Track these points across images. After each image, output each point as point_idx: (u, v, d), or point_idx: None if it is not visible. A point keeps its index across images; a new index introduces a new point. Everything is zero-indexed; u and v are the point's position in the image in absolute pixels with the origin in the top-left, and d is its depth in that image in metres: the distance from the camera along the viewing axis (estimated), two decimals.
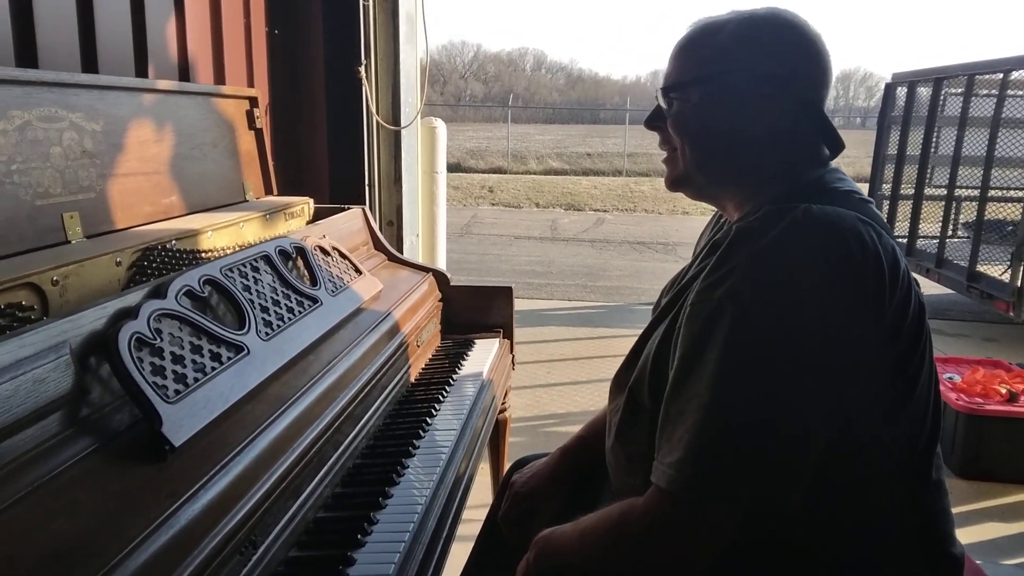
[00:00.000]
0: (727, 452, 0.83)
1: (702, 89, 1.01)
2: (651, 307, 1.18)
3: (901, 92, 6.01)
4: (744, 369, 0.84)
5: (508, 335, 2.18)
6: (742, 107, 1.00)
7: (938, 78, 5.44)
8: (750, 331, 0.84)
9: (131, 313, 1.03)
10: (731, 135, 1.01)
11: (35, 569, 0.69)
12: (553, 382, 3.99)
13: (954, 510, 1.01)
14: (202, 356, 1.09)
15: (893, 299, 0.88)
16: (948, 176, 5.32)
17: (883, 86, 6.44)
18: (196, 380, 1.04)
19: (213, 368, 1.09)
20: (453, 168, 15.21)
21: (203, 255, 1.53)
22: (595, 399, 3.71)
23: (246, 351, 1.17)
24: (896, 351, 0.90)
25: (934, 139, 5.56)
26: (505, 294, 2.19)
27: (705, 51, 1.02)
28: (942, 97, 5.48)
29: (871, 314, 0.87)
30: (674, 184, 1.09)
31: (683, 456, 0.85)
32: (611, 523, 0.95)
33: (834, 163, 1.06)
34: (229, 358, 1.13)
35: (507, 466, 1.52)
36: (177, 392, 0.99)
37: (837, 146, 1.04)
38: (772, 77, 0.99)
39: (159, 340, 1.03)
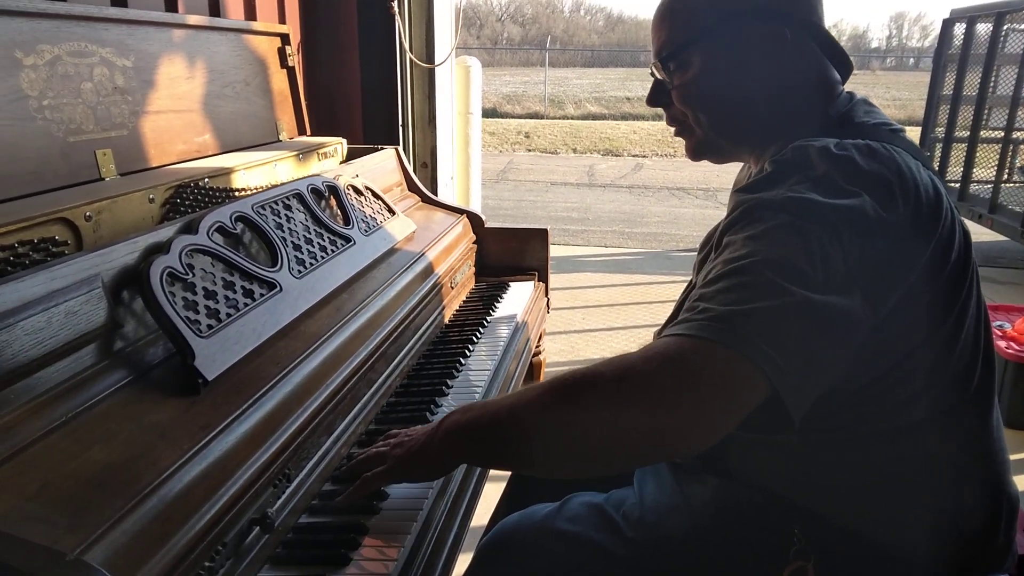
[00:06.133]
0: (753, 314, 0.74)
1: (701, 48, 0.96)
2: (689, 253, 1.15)
3: (959, 29, 5.71)
4: (781, 250, 0.77)
5: (543, 278, 2.16)
6: (747, 55, 0.95)
7: (1000, 13, 5.14)
8: (790, 222, 0.78)
9: (162, 248, 1.02)
10: (744, 88, 0.96)
11: (70, 496, 0.70)
12: (589, 328, 3.97)
13: None
14: (234, 292, 1.08)
15: (936, 232, 0.84)
16: (1006, 118, 5.08)
17: (939, 24, 6.13)
18: (229, 315, 1.04)
19: (246, 304, 1.08)
20: (489, 113, 15.03)
21: (236, 193, 1.52)
22: (630, 345, 3.68)
23: (279, 288, 1.16)
24: (940, 287, 0.85)
25: (992, 78, 5.29)
26: (540, 237, 2.16)
27: (692, 7, 0.96)
28: (1003, 33, 5.18)
29: (915, 245, 0.82)
30: (696, 154, 1.05)
31: (703, 307, 0.76)
32: (593, 367, 0.78)
33: (879, 103, 1.00)
34: (262, 295, 1.12)
35: None
36: (210, 327, 0.99)
37: (847, 67, 0.99)
38: (769, 11, 0.93)
39: (191, 275, 1.03)
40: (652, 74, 1.03)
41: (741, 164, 1.20)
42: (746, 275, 0.77)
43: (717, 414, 0.74)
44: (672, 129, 1.07)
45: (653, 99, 1.04)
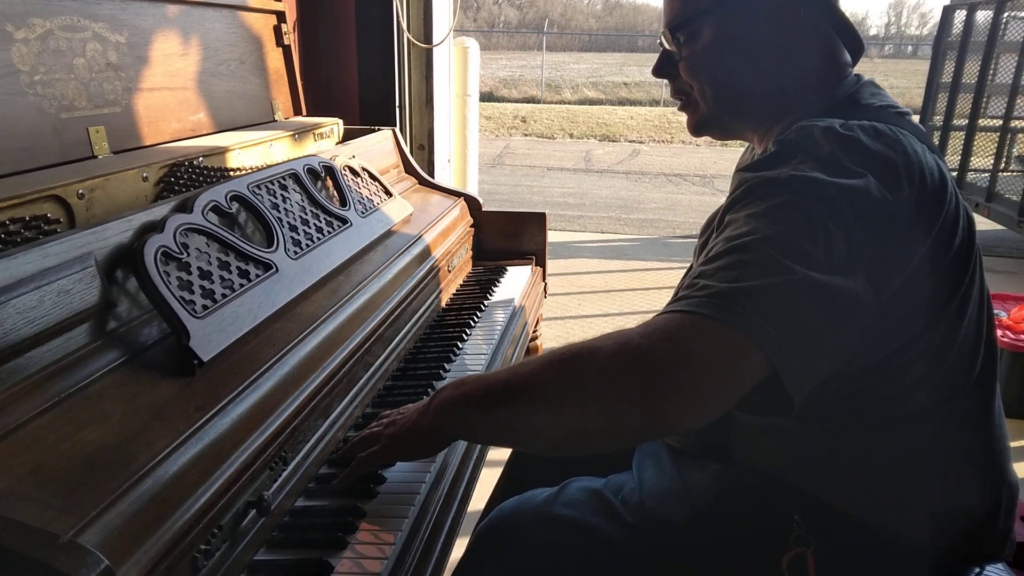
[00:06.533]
0: (763, 297, 0.73)
1: (712, 20, 0.95)
2: (685, 240, 1.14)
3: (959, 16, 5.69)
4: (783, 228, 0.76)
5: (541, 263, 2.14)
6: (758, 29, 0.94)
7: (1001, 0, 5.12)
8: (792, 199, 0.77)
9: (157, 227, 1.00)
10: (752, 64, 0.95)
11: (64, 477, 0.69)
12: (584, 314, 3.96)
13: None
14: (230, 272, 1.07)
15: (940, 215, 0.83)
16: (1005, 106, 5.07)
17: (938, 11, 6.10)
18: (224, 296, 1.02)
19: (241, 285, 1.07)
20: (485, 97, 14.94)
21: (231, 173, 1.50)
22: None
23: (275, 269, 1.15)
24: (943, 271, 0.85)
25: (992, 66, 5.27)
26: (538, 220, 2.14)
27: None
28: (1003, 21, 5.17)
29: (918, 225, 0.81)
30: (698, 129, 1.04)
31: (700, 283, 0.76)
32: (589, 342, 0.77)
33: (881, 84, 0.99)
34: (257, 275, 1.11)
35: None
36: (205, 307, 0.98)
37: (857, 47, 0.98)
38: None
39: (186, 255, 1.01)
40: (661, 44, 1.02)
41: (742, 150, 1.19)
42: (747, 252, 0.76)
43: (714, 391, 0.72)
44: (673, 111, 1.06)
45: (660, 70, 1.03)
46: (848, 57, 0.98)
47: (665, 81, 1.06)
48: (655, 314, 0.98)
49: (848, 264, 0.76)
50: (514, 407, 0.81)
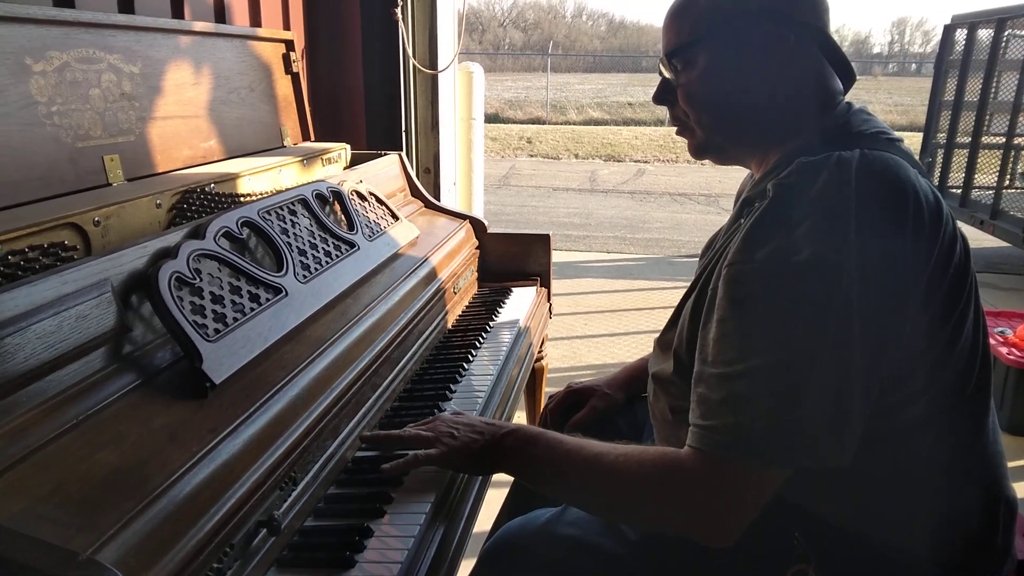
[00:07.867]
0: (778, 418, 0.80)
1: (706, 48, 0.98)
2: (691, 259, 1.17)
3: (960, 35, 5.73)
4: (791, 330, 0.81)
5: (545, 283, 2.17)
6: (751, 56, 0.96)
7: (1001, 19, 5.16)
8: (796, 291, 0.81)
9: (170, 253, 1.03)
10: (745, 90, 0.98)
11: (82, 497, 0.71)
12: (590, 334, 3.97)
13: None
14: (241, 297, 1.09)
15: (938, 239, 0.85)
16: (1007, 123, 5.09)
17: (941, 30, 6.14)
18: (235, 320, 1.05)
19: (252, 309, 1.09)
20: (491, 119, 15.06)
21: (242, 199, 1.53)
22: (633, 351, 3.69)
23: (284, 293, 1.17)
24: (943, 292, 0.87)
25: (994, 84, 5.30)
26: (543, 242, 2.17)
27: (699, 7, 0.98)
28: (1004, 39, 5.20)
29: (919, 257, 0.84)
30: (697, 152, 1.07)
31: (730, 422, 0.82)
32: (642, 465, 0.90)
33: (881, 108, 1.02)
34: (268, 299, 1.14)
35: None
36: (217, 331, 1.00)
37: (849, 75, 1.01)
38: (774, 14, 0.95)
39: (199, 280, 1.04)
40: (660, 72, 1.05)
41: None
42: (748, 387, 0.82)
43: (752, 510, 0.85)
44: (675, 128, 1.08)
45: (659, 97, 1.06)
46: (839, 85, 1.01)
47: None
48: (656, 345, 1.02)
49: (872, 346, 0.81)
50: (577, 491, 0.98)
